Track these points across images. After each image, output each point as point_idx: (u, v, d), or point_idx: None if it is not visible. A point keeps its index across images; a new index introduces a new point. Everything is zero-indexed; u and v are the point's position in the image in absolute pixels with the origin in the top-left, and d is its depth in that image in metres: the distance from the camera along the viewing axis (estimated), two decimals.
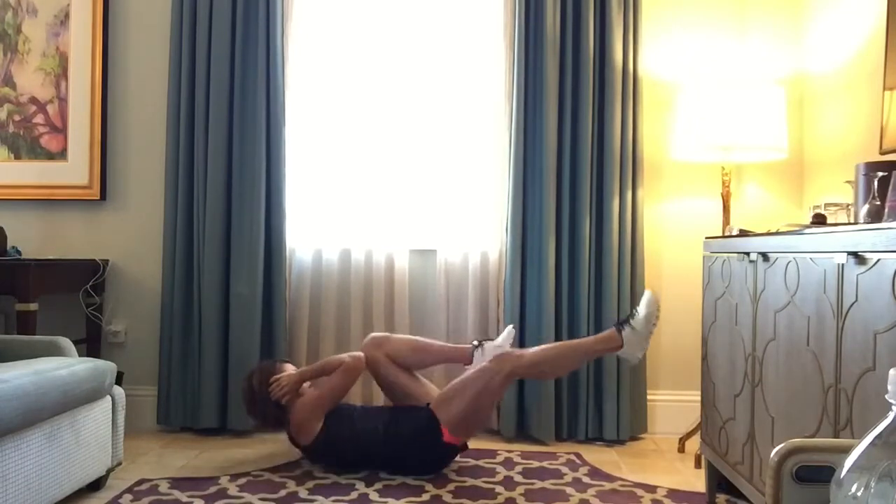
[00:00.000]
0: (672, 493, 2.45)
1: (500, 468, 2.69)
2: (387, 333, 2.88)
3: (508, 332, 2.80)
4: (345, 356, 2.70)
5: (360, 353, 2.73)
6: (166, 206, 3.19)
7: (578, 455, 2.87)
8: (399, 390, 2.78)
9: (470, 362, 2.76)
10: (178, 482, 2.51)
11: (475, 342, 2.82)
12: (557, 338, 3.06)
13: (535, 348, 2.73)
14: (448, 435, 2.57)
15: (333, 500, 2.33)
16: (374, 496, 2.37)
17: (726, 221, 2.90)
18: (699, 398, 2.64)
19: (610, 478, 2.60)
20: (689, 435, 2.98)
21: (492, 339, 2.82)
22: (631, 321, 2.66)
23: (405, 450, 2.58)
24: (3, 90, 3.35)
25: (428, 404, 2.66)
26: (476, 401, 2.58)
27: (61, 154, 3.33)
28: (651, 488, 2.49)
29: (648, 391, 3.19)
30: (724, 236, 2.42)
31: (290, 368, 2.76)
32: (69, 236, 3.35)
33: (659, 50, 3.23)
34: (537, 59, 3.10)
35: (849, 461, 0.65)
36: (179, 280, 3.16)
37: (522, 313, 3.11)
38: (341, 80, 3.29)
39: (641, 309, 2.68)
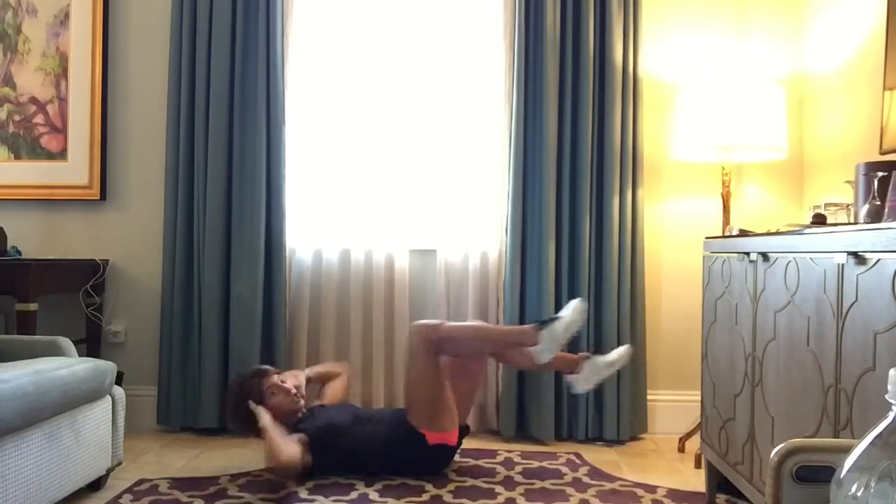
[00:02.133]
0: (672, 493, 2.45)
1: (500, 468, 2.69)
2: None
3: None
4: (292, 452, 2.44)
5: (297, 455, 2.45)
6: (166, 206, 3.19)
7: (578, 455, 2.87)
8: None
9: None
10: (178, 482, 2.50)
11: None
12: None
13: (455, 323, 2.71)
14: (433, 436, 2.55)
15: (333, 500, 2.33)
16: (374, 496, 2.37)
17: (726, 221, 2.90)
18: (699, 398, 2.64)
19: (610, 478, 2.60)
20: (689, 435, 2.98)
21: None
22: (552, 323, 2.58)
23: (397, 461, 2.58)
24: (3, 90, 3.35)
25: (402, 411, 2.64)
26: (429, 389, 2.55)
27: (61, 154, 3.33)
28: (651, 488, 2.49)
29: (648, 391, 3.19)
30: (724, 236, 2.42)
31: (274, 379, 2.69)
32: (69, 236, 3.35)
33: (659, 50, 3.23)
34: (537, 59, 3.10)
35: (849, 461, 0.65)
36: (179, 280, 3.16)
37: (522, 313, 3.11)
38: (341, 81, 3.29)
39: (566, 314, 2.59)
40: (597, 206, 3.12)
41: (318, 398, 2.90)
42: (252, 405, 2.58)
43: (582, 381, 2.70)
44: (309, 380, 2.86)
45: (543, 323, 2.62)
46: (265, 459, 2.52)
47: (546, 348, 2.58)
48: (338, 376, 2.96)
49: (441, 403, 2.58)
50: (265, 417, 2.52)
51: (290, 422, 2.64)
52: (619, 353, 2.74)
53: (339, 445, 2.57)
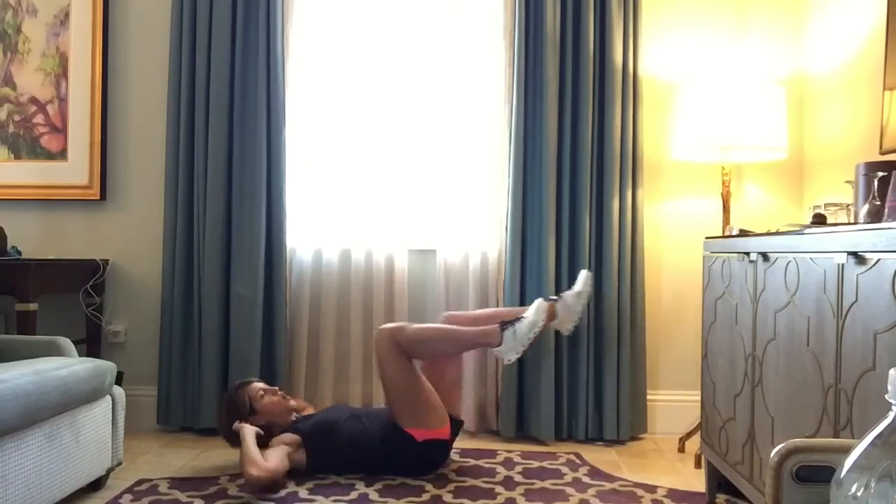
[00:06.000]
0: (672, 493, 2.45)
1: (500, 468, 2.69)
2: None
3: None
4: (264, 468, 2.38)
5: (267, 472, 2.38)
6: (166, 206, 3.19)
7: (578, 455, 2.87)
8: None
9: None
10: (178, 482, 2.50)
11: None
12: (557, 339, 3.06)
13: (420, 325, 2.68)
14: (422, 434, 2.54)
15: (333, 500, 2.33)
16: (374, 496, 2.37)
17: (726, 221, 2.90)
18: (699, 398, 2.64)
19: (610, 478, 2.60)
20: (689, 435, 2.98)
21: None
22: (516, 325, 2.61)
23: (392, 460, 2.57)
24: (3, 90, 3.35)
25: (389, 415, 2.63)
26: (406, 390, 2.55)
27: (61, 154, 3.33)
28: (651, 488, 2.49)
29: (648, 391, 3.19)
30: (724, 236, 2.42)
31: (259, 385, 2.70)
32: (69, 236, 3.35)
33: (659, 50, 3.23)
34: (537, 59, 3.10)
35: (849, 461, 0.65)
36: (179, 280, 3.16)
37: None
38: (341, 80, 3.29)
39: (528, 314, 2.62)
40: (597, 206, 3.12)
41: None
42: (236, 425, 2.57)
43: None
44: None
45: (507, 324, 2.63)
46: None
47: (510, 349, 2.60)
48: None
49: (422, 402, 2.57)
50: (248, 434, 2.49)
51: (286, 422, 2.65)
52: (580, 280, 2.77)
53: (334, 443, 2.57)
